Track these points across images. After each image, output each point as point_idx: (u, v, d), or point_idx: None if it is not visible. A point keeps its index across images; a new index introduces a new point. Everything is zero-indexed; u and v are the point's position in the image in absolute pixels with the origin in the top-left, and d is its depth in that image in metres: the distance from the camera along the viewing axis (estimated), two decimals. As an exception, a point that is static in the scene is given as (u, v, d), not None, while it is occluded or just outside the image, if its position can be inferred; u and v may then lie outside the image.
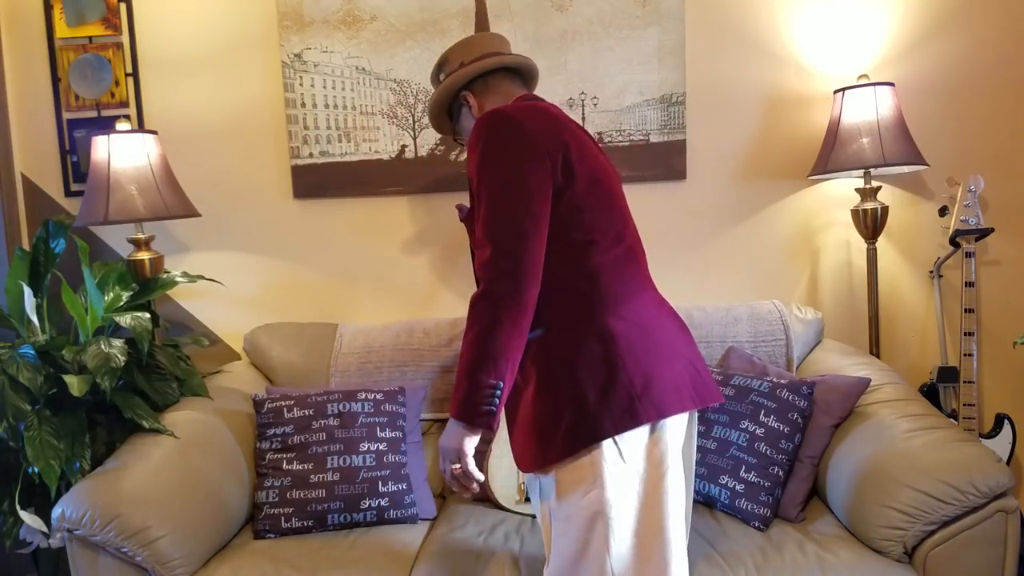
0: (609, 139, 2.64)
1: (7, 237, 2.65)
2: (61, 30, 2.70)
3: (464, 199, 2.71)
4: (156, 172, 2.42)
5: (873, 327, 2.58)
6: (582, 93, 2.63)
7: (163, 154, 2.48)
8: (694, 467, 1.69)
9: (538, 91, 2.66)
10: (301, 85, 2.67)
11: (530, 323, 1.47)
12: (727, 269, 2.70)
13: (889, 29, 2.62)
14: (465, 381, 1.45)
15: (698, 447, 2.13)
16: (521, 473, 2.04)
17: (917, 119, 2.55)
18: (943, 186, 2.59)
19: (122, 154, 2.38)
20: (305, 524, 2.09)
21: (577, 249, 1.51)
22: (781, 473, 2.04)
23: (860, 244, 2.63)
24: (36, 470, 2.02)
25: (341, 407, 2.21)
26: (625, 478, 1.46)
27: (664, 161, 2.65)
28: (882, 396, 2.15)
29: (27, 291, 2.24)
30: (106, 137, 2.39)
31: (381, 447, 2.17)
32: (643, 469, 1.47)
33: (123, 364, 2.11)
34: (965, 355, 2.48)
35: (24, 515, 2.12)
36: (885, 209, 2.51)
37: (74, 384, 2.06)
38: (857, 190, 2.53)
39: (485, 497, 2.24)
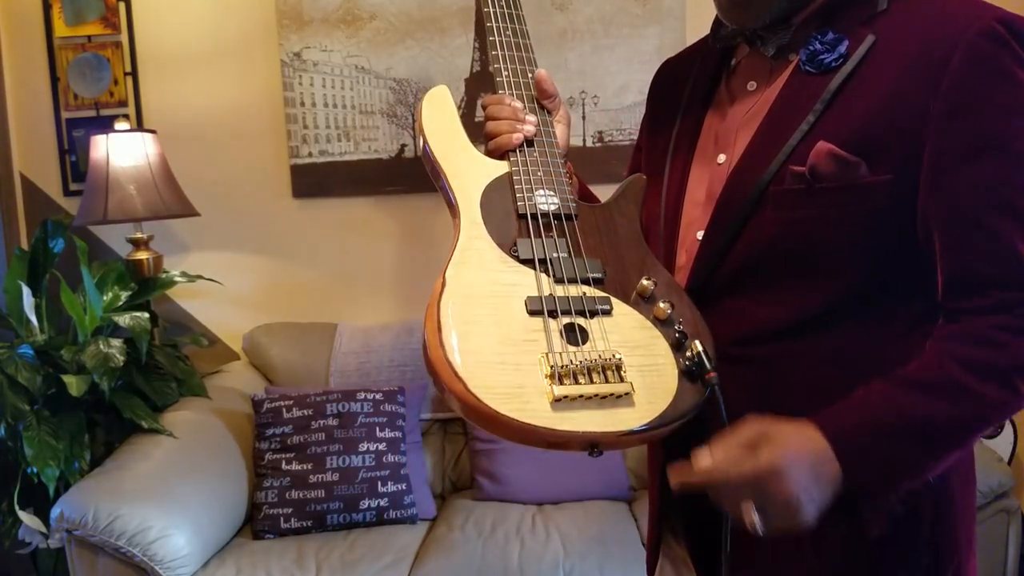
0: (609, 138, 2.63)
1: (6, 237, 2.64)
2: (60, 29, 2.69)
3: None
4: (155, 171, 2.41)
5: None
6: (582, 92, 2.63)
7: (162, 153, 2.47)
8: None
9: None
10: (300, 84, 2.66)
11: None
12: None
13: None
14: (903, 429, 0.79)
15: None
16: None
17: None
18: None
19: (121, 153, 2.38)
20: (304, 524, 2.08)
21: None
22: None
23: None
24: (35, 470, 2.02)
25: (340, 407, 2.20)
26: None
27: (664, 160, 2.64)
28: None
29: (26, 291, 2.23)
30: (105, 136, 2.38)
31: (380, 447, 2.17)
32: None
33: (122, 364, 2.10)
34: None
35: (23, 515, 2.11)
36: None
37: (73, 384, 2.05)
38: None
39: None
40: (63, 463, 2.04)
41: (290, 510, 2.09)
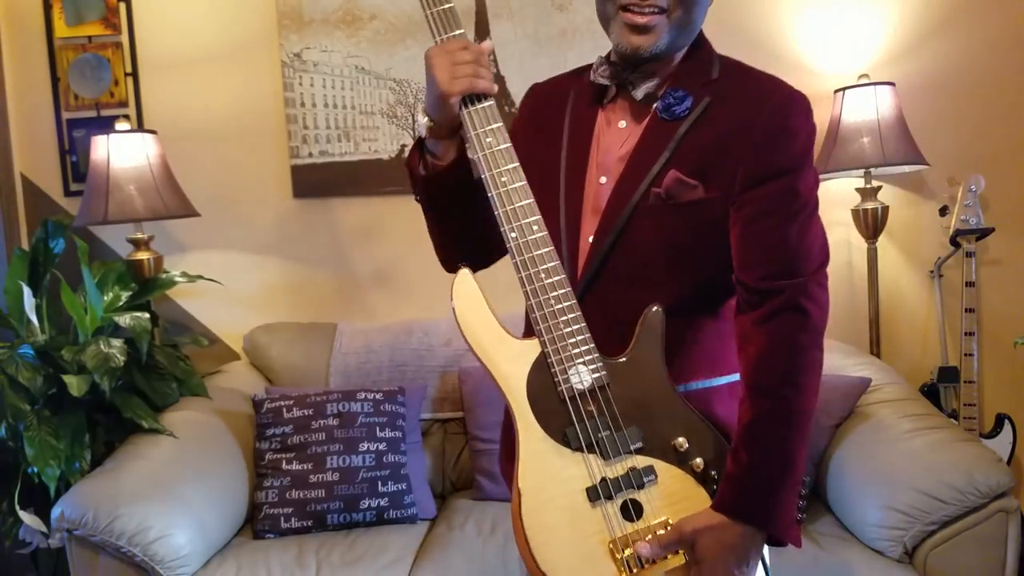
0: (609, 139, 2.63)
1: (6, 237, 2.64)
2: (60, 29, 2.69)
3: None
4: (155, 172, 2.41)
5: (873, 327, 2.57)
6: (582, 93, 2.63)
7: (162, 154, 2.47)
8: None
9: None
10: (300, 84, 2.67)
11: None
12: (727, 269, 2.69)
13: (889, 29, 2.61)
14: (786, 473, 1.09)
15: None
16: None
17: (917, 119, 2.54)
18: (944, 186, 2.58)
19: (121, 154, 2.38)
20: (304, 524, 2.09)
21: None
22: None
23: (861, 244, 2.62)
24: (35, 470, 2.02)
25: (340, 407, 2.21)
26: None
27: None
28: (883, 396, 2.15)
29: (26, 291, 2.23)
30: (105, 137, 2.39)
31: (380, 447, 2.17)
32: None
33: (122, 364, 2.11)
34: (965, 355, 2.48)
35: (23, 515, 2.12)
36: (886, 209, 2.50)
37: (73, 384, 2.05)
38: (857, 190, 2.52)
39: None
40: (63, 463, 2.04)
41: (290, 510, 2.09)
